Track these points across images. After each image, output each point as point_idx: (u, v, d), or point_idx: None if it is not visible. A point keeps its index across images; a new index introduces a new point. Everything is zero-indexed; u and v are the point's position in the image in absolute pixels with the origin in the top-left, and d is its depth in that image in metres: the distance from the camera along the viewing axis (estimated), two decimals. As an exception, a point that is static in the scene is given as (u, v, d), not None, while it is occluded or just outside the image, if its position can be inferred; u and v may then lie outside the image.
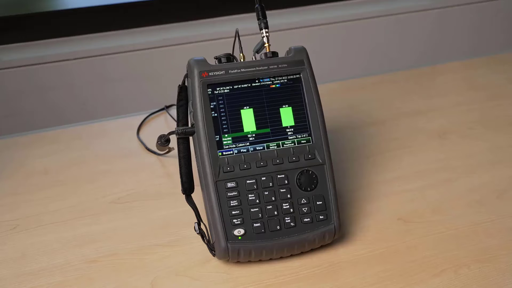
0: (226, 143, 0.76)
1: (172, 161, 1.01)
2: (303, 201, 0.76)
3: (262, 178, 0.76)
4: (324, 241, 0.77)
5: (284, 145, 0.78)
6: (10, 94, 1.69)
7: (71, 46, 1.72)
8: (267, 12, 0.82)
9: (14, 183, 0.96)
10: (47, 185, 0.95)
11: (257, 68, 0.78)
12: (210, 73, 0.77)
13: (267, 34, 0.81)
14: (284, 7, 1.93)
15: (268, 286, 0.73)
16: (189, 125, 0.79)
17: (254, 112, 0.78)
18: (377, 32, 2.03)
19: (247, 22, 1.56)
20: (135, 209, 0.89)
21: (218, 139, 0.76)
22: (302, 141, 0.79)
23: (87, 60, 1.72)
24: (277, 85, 0.79)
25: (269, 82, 0.79)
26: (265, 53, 0.81)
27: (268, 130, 0.78)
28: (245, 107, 0.78)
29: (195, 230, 0.78)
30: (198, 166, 0.77)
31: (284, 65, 0.79)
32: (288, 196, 0.76)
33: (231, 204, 0.74)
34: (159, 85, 1.81)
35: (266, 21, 0.82)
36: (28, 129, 1.16)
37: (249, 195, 0.75)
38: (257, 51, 0.84)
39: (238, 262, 0.76)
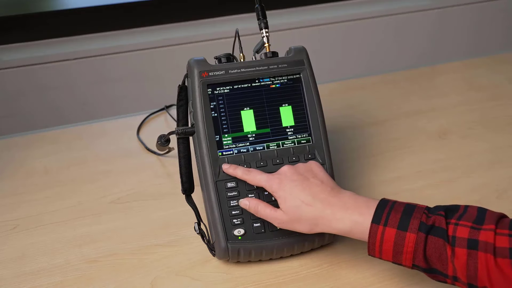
0: (226, 143, 0.76)
1: (172, 161, 1.01)
2: (303, 201, 0.76)
3: (262, 178, 0.76)
4: (324, 241, 0.77)
5: (284, 145, 0.78)
6: (10, 94, 1.69)
7: (71, 46, 1.72)
8: (267, 12, 0.82)
9: (14, 183, 0.96)
10: (47, 185, 0.95)
11: (257, 68, 0.78)
12: (210, 73, 0.77)
13: (267, 34, 0.81)
14: (284, 7, 1.93)
15: (268, 286, 0.73)
16: (189, 125, 0.79)
17: (254, 112, 0.78)
18: (377, 32, 2.03)
19: (247, 22, 1.56)
20: (135, 209, 0.89)
21: (218, 139, 0.76)
22: (302, 141, 0.79)
23: (87, 60, 1.73)
24: (277, 85, 0.79)
25: (269, 82, 0.79)
26: (265, 53, 0.81)
27: (268, 130, 0.78)
28: (245, 107, 0.78)
29: (195, 230, 0.78)
30: (198, 166, 0.77)
31: (284, 65, 0.79)
32: (288, 196, 0.76)
33: (231, 204, 0.74)
34: (159, 85, 1.81)
35: (266, 21, 0.82)
36: (28, 129, 1.17)
37: (249, 195, 0.75)
38: (257, 51, 0.84)
39: (238, 262, 0.76)
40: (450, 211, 0.63)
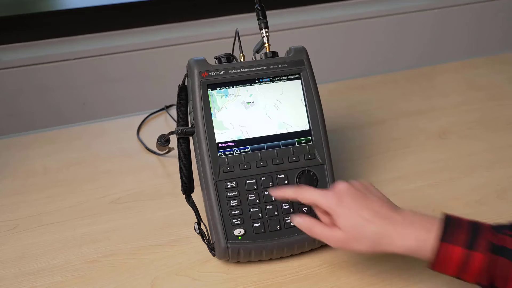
0: (226, 143, 0.76)
1: (172, 161, 1.01)
2: (303, 201, 0.76)
3: (262, 178, 0.76)
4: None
5: (284, 145, 0.78)
6: (10, 94, 1.69)
7: (71, 46, 1.72)
8: (267, 12, 0.82)
9: (14, 183, 0.96)
10: (47, 185, 0.95)
11: (257, 68, 0.78)
12: (210, 73, 0.77)
13: (267, 34, 0.81)
14: (284, 7, 1.93)
15: (268, 286, 0.73)
16: (189, 125, 0.79)
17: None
18: (377, 32, 2.03)
19: (247, 22, 1.56)
20: (135, 209, 0.89)
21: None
22: (302, 141, 0.79)
23: (87, 60, 1.73)
24: (277, 85, 0.79)
25: (269, 82, 0.79)
26: (265, 53, 0.81)
27: (268, 130, 0.78)
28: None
29: (195, 230, 0.78)
30: (198, 166, 0.77)
31: (284, 65, 0.79)
32: (288, 196, 0.76)
33: (231, 204, 0.74)
34: (159, 85, 1.81)
35: (266, 21, 0.82)
36: (28, 129, 1.17)
37: (249, 195, 0.75)
38: (257, 51, 0.83)
39: (238, 262, 0.76)
40: None
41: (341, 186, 0.67)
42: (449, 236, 0.61)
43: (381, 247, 0.63)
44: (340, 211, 0.65)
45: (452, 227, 0.61)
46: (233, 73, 0.77)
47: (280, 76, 0.79)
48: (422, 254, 0.62)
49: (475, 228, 0.61)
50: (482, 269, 0.59)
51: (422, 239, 0.61)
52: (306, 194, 0.68)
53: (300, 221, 0.68)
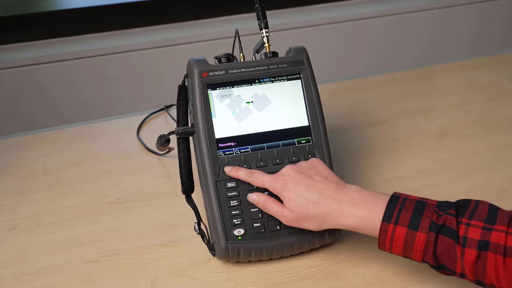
0: (226, 143, 0.76)
1: (172, 161, 1.01)
2: (303, 201, 0.76)
3: (262, 178, 0.75)
4: (324, 241, 0.77)
5: (284, 145, 0.78)
6: (10, 94, 1.69)
7: (71, 46, 1.72)
8: (267, 12, 0.82)
9: (14, 183, 0.96)
10: (47, 185, 0.95)
11: (257, 68, 0.78)
12: (210, 73, 0.77)
13: (267, 34, 0.81)
14: (284, 7, 1.93)
15: (268, 286, 0.73)
16: (189, 125, 0.79)
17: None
18: (377, 32, 2.03)
19: (247, 22, 1.56)
20: (135, 209, 0.89)
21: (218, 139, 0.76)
22: (302, 141, 0.79)
23: (87, 60, 1.73)
24: (277, 85, 0.79)
25: (269, 82, 0.79)
26: (265, 53, 0.81)
27: (268, 130, 0.78)
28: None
29: (195, 230, 0.78)
30: (198, 166, 0.77)
31: (284, 65, 0.79)
32: (288, 196, 0.76)
33: (231, 204, 0.74)
34: (159, 85, 1.81)
35: (266, 21, 0.82)
36: (28, 129, 1.17)
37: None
38: (257, 51, 0.83)
39: (238, 262, 0.76)
40: (460, 208, 0.63)
41: (286, 170, 0.71)
42: (391, 216, 0.63)
43: (327, 225, 0.68)
44: (285, 194, 0.69)
45: (396, 207, 0.64)
46: (233, 73, 0.77)
47: (280, 76, 0.79)
48: (366, 232, 0.66)
49: (419, 207, 0.64)
50: (426, 248, 0.62)
51: (365, 218, 0.65)
52: (256, 178, 0.72)
53: (255, 198, 0.72)
